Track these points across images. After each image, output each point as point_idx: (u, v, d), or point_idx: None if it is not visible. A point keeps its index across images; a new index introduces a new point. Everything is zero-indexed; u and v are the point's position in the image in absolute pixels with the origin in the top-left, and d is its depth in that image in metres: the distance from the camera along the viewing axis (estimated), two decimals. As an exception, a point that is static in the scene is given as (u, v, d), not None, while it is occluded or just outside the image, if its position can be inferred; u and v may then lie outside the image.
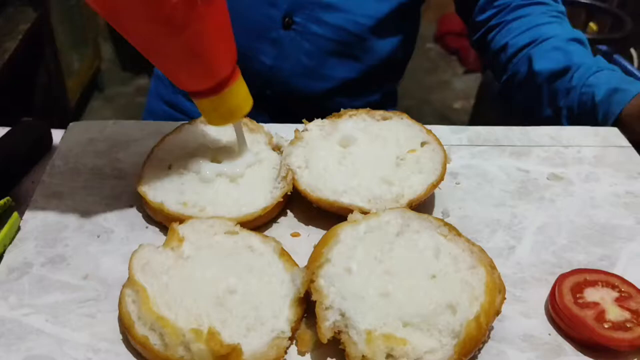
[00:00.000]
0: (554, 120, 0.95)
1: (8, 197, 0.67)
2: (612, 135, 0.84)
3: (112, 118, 0.84)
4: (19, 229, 0.66)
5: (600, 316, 0.56)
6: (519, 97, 1.02)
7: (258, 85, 1.02)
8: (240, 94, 0.65)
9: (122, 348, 0.55)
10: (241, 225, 0.63)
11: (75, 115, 2.56)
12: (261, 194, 0.67)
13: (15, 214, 0.65)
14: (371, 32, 1.02)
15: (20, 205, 0.70)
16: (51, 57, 2.27)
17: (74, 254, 0.63)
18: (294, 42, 1.01)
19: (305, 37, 1.01)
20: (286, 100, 1.06)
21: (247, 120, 0.75)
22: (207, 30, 0.59)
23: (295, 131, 0.73)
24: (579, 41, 0.98)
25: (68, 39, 2.49)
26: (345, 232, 0.60)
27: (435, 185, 0.67)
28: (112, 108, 2.82)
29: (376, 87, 1.11)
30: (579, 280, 0.59)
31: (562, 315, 0.57)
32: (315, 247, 0.60)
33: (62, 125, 0.82)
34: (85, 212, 0.68)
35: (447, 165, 0.69)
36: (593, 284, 0.59)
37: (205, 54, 0.61)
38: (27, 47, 1.91)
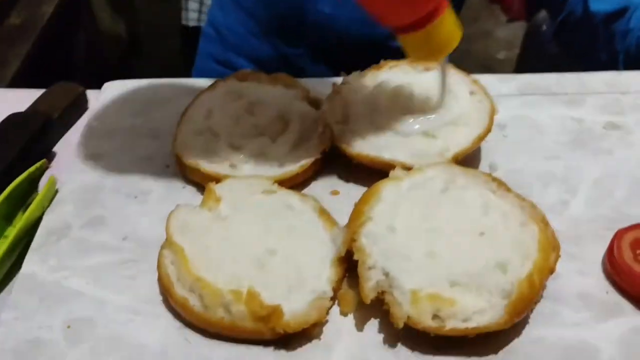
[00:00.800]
0: (610, 65, 0.89)
1: (44, 160, 0.66)
2: (675, 79, 0.78)
3: (153, 77, 0.82)
4: (56, 191, 0.65)
5: (663, 273, 0.52)
6: (574, 40, 0.96)
7: (316, 36, 0.99)
8: (449, 24, 0.58)
9: (163, 309, 0.54)
10: (279, 184, 0.61)
11: (116, 77, 2.57)
12: (298, 151, 0.65)
13: (52, 177, 0.64)
14: None
15: (58, 167, 0.70)
16: (88, 19, 2.27)
17: (112, 215, 0.63)
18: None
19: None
20: (344, 50, 1.02)
21: (283, 75, 0.73)
22: None
23: (333, 85, 0.69)
24: None
25: (104, 0, 2.48)
26: (387, 189, 0.57)
27: (482, 137, 0.63)
28: (152, 68, 2.82)
29: None
30: (638, 235, 0.56)
31: (620, 273, 0.54)
32: (356, 205, 0.57)
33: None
34: (122, 173, 0.67)
35: (495, 116, 0.65)
36: (655, 239, 0.55)
37: None
38: (64, 11, 1.90)
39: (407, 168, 0.61)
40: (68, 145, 0.73)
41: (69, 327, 0.53)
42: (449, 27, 0.58)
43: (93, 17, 2.29)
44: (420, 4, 0.56)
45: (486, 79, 0.73)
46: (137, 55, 2.90)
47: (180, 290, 0.52)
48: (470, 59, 2.86)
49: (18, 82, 1.37)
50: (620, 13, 0.88)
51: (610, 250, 0.55)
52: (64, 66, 2.26)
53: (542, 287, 0.52)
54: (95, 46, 2.35)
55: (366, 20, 0.98)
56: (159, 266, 0.55)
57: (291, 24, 1.00)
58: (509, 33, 2.99)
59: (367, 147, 0.64)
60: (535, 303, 0.52)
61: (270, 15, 1.03)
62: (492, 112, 0.65)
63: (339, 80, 0.71)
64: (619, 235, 0.56)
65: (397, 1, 0.56)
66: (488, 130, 0.64)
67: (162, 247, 0.56)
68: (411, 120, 0.64)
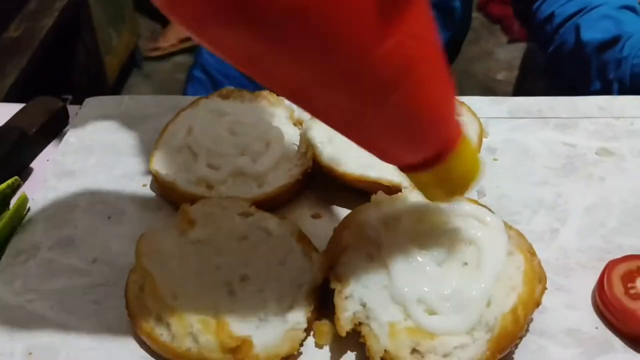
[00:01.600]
0: (604, 94, 0.87)
1: (16, 177, 0.64)
2: (670, 105, 0.75)
3: (150, 94, 0.80)
4: (28, 209, 0.63)
5: (656, 309, 0.50)
6: (566, 70, 0.95)
7: None
8: (466, 160, 0.47)
9: (129, 337, 0.52)
10: (257, 206, 0.59)
11: (114, 93, 2.56)
12: (279, 171, 0.63)
13: (23, 195, 0.62)
14: (439, 9, 0.95)
15: (34, 184, 0.68)
16: (88, 34, 2.27)
17: (83, 236, 0.60)
18: None
19: None
20: None
21: (266, 93, 0.71)
22: (422, 78, 0.40)
23: (317, 104, 0.67)
24: (630, 8, 0.91)
25: (105, 15, 2.48)
26: (367, 214, 0.55)
27: None
28: (151, 85, 2.81)
29: None
30: (631, 267, 0.53)
31: (611, 308, 0.51)
32: (335, 230, 0.55)
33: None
34: (97, 192, 0.65)
35: (484, 140, 0.63)
36: (647, 272, 0.53)
37: (422, 112, 0.42)
38: (64, 25, 1.90)
39: (394, 186, 0.59)
40: (45, 162, 0.71)
41: (30, 353, 0.51)
42: (464, 164, 0.47)
43: (93, 31, 2.29)
44: (425, 142, 0.44)
45: (476, 101, 0.71)
46: (137, 70, 2.90)
47: (147, 318, 0.50)
48: (470, 80, 2.85)
49: (14, 94, 1.36)
50: (613, 42, 0.87)
51: (600, 283, 0.53)
52: (62, 80, 2.25)
53: (528, 320, 0.49)
54: (94, 60, 2.35)
55: None
56: (127, 292, 0.53)
57: None
58: (510, 54, 2.98)
59: (352, 165, 0.61)
60: (520, 338, 0.49)
61: None
62: (481, 132, 0.63)
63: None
64: (610, 266, 0.53)
65: (395, 139, 0.44)
66: (477, 150, 0.62)
67: (131, 272, 0.54)
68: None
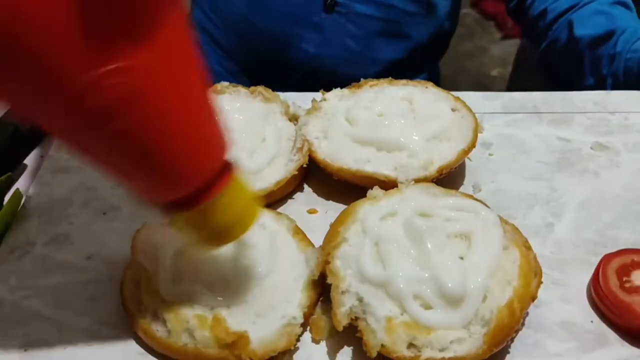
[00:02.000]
0: (598, 89, 0.87)
1: (9, 174, 0.63)
2: (664, 100, 0.76)
3: None
4: (22, 206, 0.62)
5: (650, 302, 0.50)
6: (560, 66, 0.95)
7: (301, 75, 0.96)
8: (235, 202, 0.43)
9: (125, 334, 0.51)
10: (253, 202, 0.58)
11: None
12: (275, 167, 0.62)
13: (17, 191, 0.61)
14: (419, 3, 0.94)
15: (27, 181, 0.67)
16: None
17: (78, 232, 0.60)
18: (338, 26, 0.93)
19: (351, 18, 0.93)
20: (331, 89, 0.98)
21: (262, 88, 0.70)
22: (148, 111, 0.36)
23: (312, 101, 0.67)
24: (623, 4, 0.91)
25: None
26: (364, 209, 0.55)
27: (466, 152, 0.61)
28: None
29: (422, 66, 1.04)
30: (625, 261, 0.53)
31: (606, 301, 0.51)
32: (332, 225, 0.55)
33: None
34: (92, 188, 0.65)
35: (479, 135, 0.63)
36: (642, 265, 0.53)
37: (156, 146, 0.38)
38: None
39: (390, 181, 0.59)
40: (39, 158, 0.71)
41: (25, 350, 0.51)
42: (230, 210, 0.43)
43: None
44: (171, 180, 0.40)
45: (470, 97, 0.71)
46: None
47: (143, 314, 0.50)
48: (464, 76, 2.85)
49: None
50: (606, 37, 0.87)
51: (595, 277, 0.53)
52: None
53: (523, 314, 0.49)
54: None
55: (352, 59, 0.96)
56: (122, 288, 0.52)
57: (274, 64, 0.97)
58: (503, 50, 2.99)
59: (348, 161, 0.61)
60: (516, 332, 0.50)
61: (251, 55, 0.99)
62: (476, 127, 0.63)
63: (318, 95, 0.69)
64: (605, 260, 0.54)
65: (137, 174, 0.40)
66: (472, 145, 0.62)
67: (127, 268, 0.53)
68: (393, 136, 0.62)
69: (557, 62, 0.96)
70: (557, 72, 0.97)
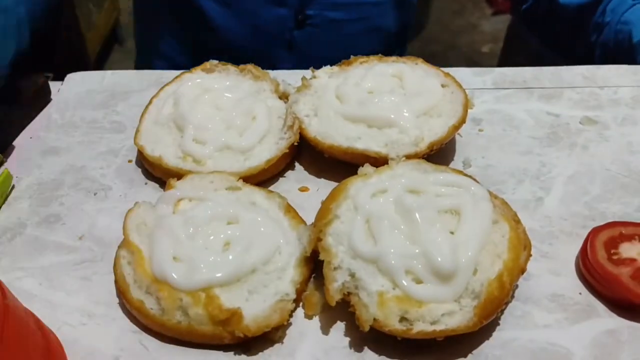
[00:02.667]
0: (588, 60, 0.87)
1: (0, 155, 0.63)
2: (653, 73, 0.76)
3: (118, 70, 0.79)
4: (13, 187, 0.62)
5: (637, 274, 0.50)
6: (547, 31, 0.95)
7: None
8: None
9: (119, 312, 0.52)
10: (244, 180, 0.59)
11: (95, 70, 2.51)
12: (266, 145, 0.62)
13: (5, 171, 0.61)
14: None
15: (17, 162, 0.67)
16: (68, 10, 2.22)
17: (69, 213, 0.60)
18: (311, 38, 0.92)
19: (324, 28, 0.92)
20: None
21: (251, 66, 0.70)
22: None
23: (302, 79, 0.67)
24: None
25: (85, -9, 2.43)
26: (355, 186, 0.55)
27: (456, 127, 0.61)
28: (133, 61, 2.76)
29: (393, 53, 1.04)
30: (613, 234, 0.54)
31: (594, 273, 0.52)
32: (323, 202, 0.55)
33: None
34: (82, 169, 0.65)
35: (470, 110, 0.63)
36: (629, 238, 0.53)
37: None
38: None
39: (381, 158, 0.59)
40: (28, 139, 0.70)
41: (20, 330, 0.51)
42: None
43: (72, 7, 2.24)
44: None
45: (460, 72, 0.71)
46: (118, 46, 2.85)
47: (136, 293, 0.50)
48: (455, 52, 2.84)
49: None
50: (593, 5, 0.86)
51: (584, 250, 0.54)
52: (42, 57, 2.21)
53: (513, 287, 0.50)
54: (75, 36, 2.30)
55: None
56: (115, 267, 0.52)
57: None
58: (494, 26, 2.97)
59: (339, 138, 0.62)
60: (506, 304, 0.50)
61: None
62: (466, 102, 0.63)
63: (308, 73, 0.68)
64: (593, 233, 0.54)
65: None
66: (462, 120, 0.62)
67: (119, 247, 0.53)
68: (383, 112, 0.62)
69: (544, 27, 0.96)
70: (546, 37, 0.97)
